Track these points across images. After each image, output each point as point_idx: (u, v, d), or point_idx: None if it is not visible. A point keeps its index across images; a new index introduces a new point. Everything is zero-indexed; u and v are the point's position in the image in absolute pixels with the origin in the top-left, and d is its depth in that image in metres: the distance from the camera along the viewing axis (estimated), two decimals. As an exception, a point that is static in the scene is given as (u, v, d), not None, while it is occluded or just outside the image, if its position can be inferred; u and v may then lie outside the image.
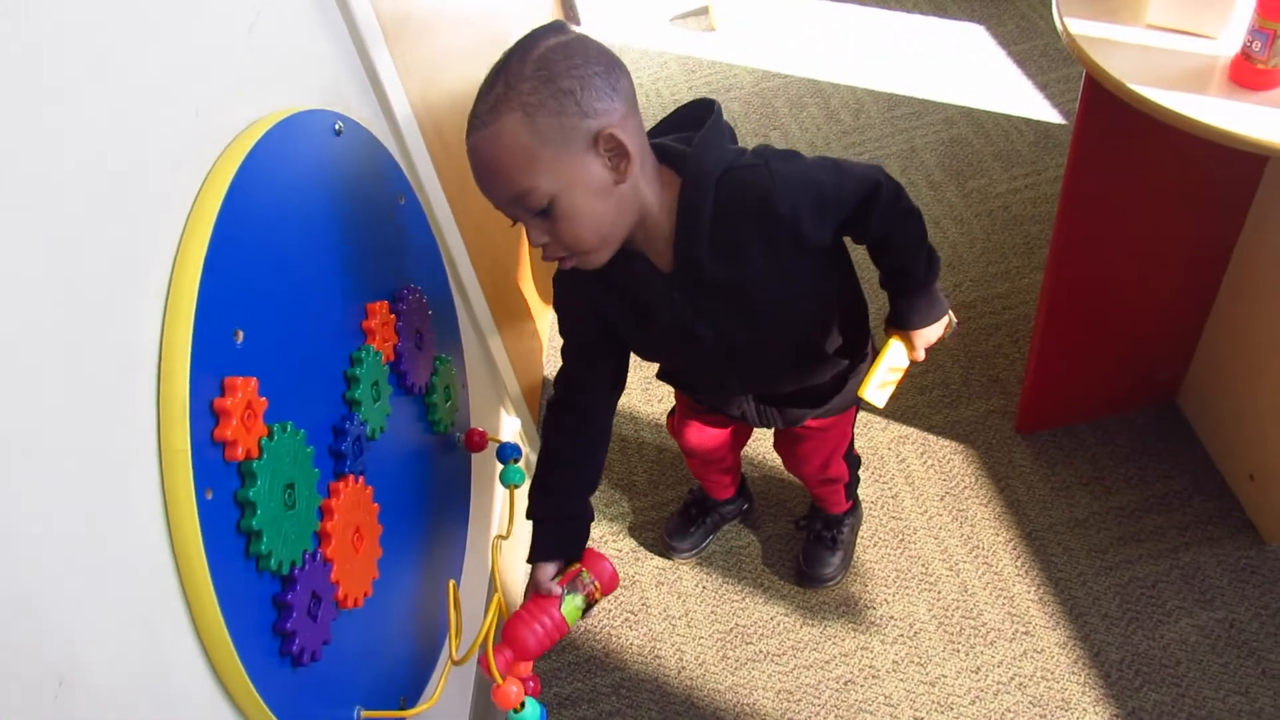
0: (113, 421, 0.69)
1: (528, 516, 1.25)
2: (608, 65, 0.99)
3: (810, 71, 2.85)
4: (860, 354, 1.35)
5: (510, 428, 1.84)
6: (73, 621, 0.64)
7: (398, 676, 1.09)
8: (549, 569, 1.21)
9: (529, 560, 1.22)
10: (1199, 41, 1.25)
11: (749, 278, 1.13)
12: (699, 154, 1.08)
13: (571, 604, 1.18)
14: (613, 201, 1.03)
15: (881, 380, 1.28)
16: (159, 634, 0.72)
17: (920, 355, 1.30)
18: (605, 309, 1.19)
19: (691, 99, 1.16)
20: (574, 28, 1.01)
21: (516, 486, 1.32)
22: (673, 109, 1.18)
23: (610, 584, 1.22)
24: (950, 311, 1.29)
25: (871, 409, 1.30)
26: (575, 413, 1.27)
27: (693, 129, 1.11)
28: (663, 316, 1.17)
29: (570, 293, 1.21)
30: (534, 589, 1.20)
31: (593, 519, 1.28)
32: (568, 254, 1.05)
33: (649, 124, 1.11)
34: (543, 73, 0.95)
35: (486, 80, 0.98)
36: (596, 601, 1.21)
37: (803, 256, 1.15)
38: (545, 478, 1.27)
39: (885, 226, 1.17)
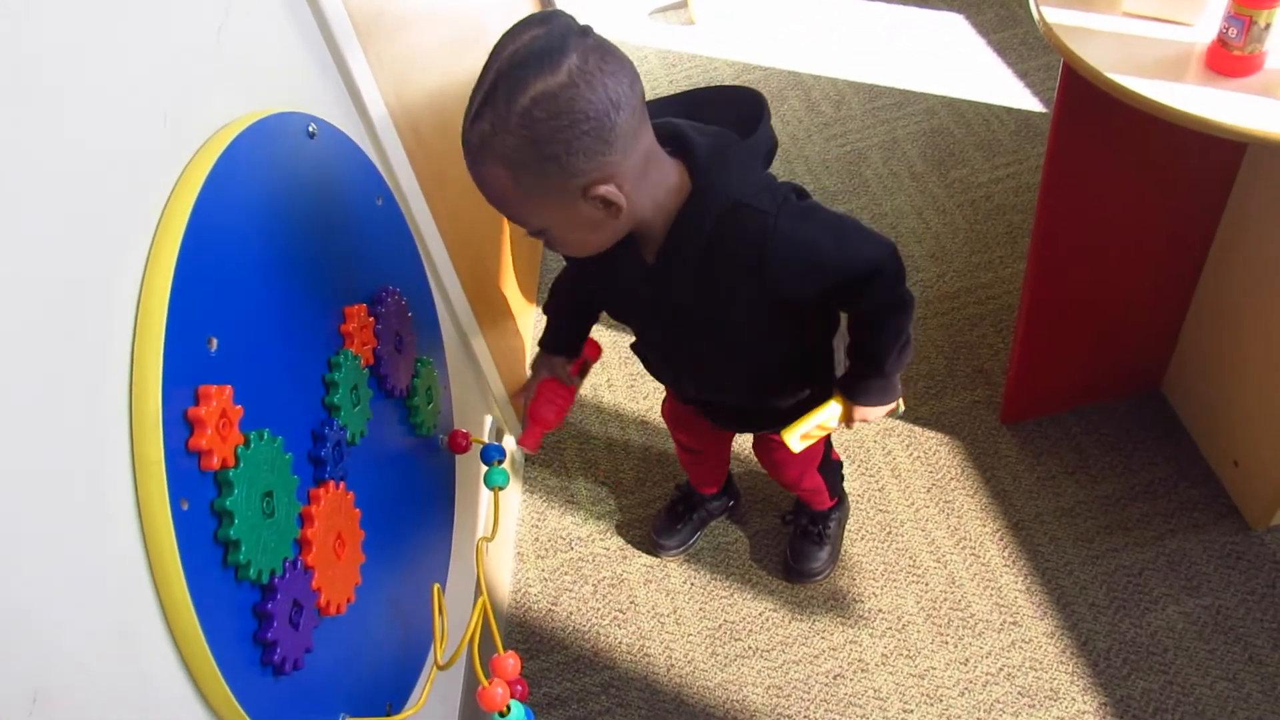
0: (85, 433, 0.68)
1: (543, 311, 1.43)
2: (600, 115, 0.91)
3: (791, 64, 2.84)
4: (823, 394, 1.29)
5: (494, 428, 1.83)
6: (47, 636, 0.63)
7: (383, 682, 1.08)
8: (561, 363, 1.42)
9: (540, 346, 1.43)
10: (1175, 29, 1.25)
11: (720, 305, 1.12)
12: (719, 175, 1.03)
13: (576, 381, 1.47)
14: (606, 229, 1.03)
15: (805, 432, 1.25)
16: (137, 647, 0.72)
17: (851, 428, 1.28)
18: (590, 271, 1.18)
19: (738, 85, 1.12)
20: (579, 38, 0.91)
21: (501, 488, 1.32)
22: (665, 95, 1.14)
23: (596, 351, 1.48)
24: (901, 398, 1.26)
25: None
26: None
27: (727, 119, 1.07)
28: (634, 301, 1.19)
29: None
30: (550, 372, 1.43)
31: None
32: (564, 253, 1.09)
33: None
34: (526, 132, 0.90)
35: (479, 93, 0.92)
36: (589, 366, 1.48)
37: (781, 306, 1.13)
38: (559, 305, 1.41)
39: (871, 312, 1.15)
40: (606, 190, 0.96)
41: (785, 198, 1.06)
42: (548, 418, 1.43)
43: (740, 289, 1.10)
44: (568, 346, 1.42)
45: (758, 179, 1.06)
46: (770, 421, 1.35)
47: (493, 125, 0.91)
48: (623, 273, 1.14)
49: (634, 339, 1.39)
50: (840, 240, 1.08)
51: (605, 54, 0.92)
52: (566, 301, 1.40)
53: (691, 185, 1.04)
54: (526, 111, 0.89)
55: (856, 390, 1.23)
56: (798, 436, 1.25)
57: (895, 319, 1.16)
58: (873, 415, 1.25)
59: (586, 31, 0.93)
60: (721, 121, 1.08)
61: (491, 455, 1.34)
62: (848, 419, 1.26)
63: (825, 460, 1.61)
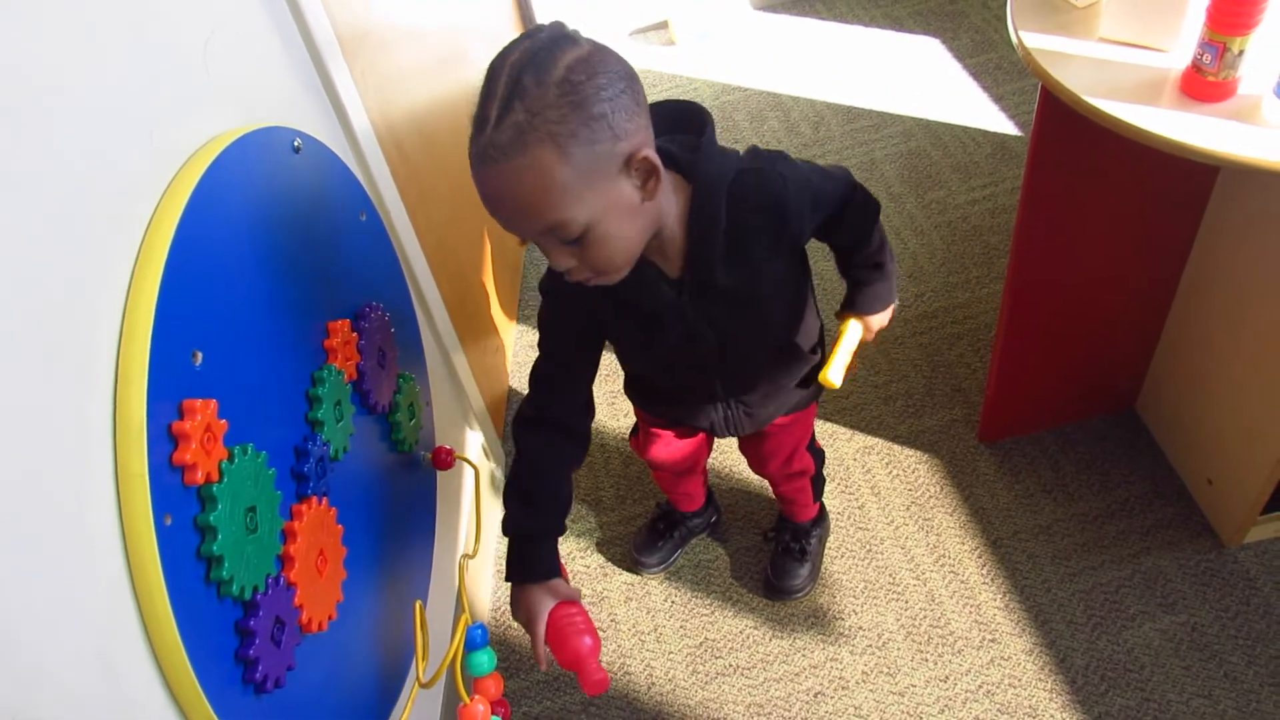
0: (68, 447, 0.68)
1: (508, 533, 1.17)
2: (628, 75, 0.93)
3: (770, 85, 2.87)
4: (824, 348, 1.38)
5: (474, 443, 1.83)
6: (25, 655, 0.62)
7: (365, 700, 1.07)
8: (560, 582, 1.15)
9: (523, 580, 1.14)
10: (1151, 55, 1.27)
11: (754, 279, 1.15)
12: (708, 162, 1.07)
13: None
14: (640, 220, 1.01)
15: (842, 363, 1.31)
16: (118, 665, 0.71)
17: (872, 336, 1.36)
18: (604, 321, 1.17)
19: (671, 99, 1.14)
20: (578, 32, 0.93)
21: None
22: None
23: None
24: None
25: (830, 388, 1.34)
26: (559, 430, 1.20)
27: (677, 130, 1.09)
28: (671, 323, 1.16)
29: (564, 306, 1.16)
30: (555, 598, 1.12)
31: None
32: (594, 275, 1.01)
33: None
34: (570, 97, 0.88)
35: (494, 101, 0.89)
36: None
37: (790, 255, 1.19)
38: (533, 494, 1.18)
39: (856, 224, 1.24)
40: (649, 153, 0.95)
41: (761, 152, 1.13)
42: (588, 646, 1.09)
43: (770, 253, 1.13)
44: (554, 564, 1.16)
45: (731, 152, 1.11)
46: (784, 399, 1.40)
47: (528, 111, 0.88)
48: (656, 301, 1.13)
49: (629, 375, 1.39)
50: (820, 174, 1.18)
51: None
52: (537, 500, 1.18)
53: (692, 187, 1.07)
54: (564, 80, 0.88)
55: (867, 300, 1.31)
56: (839, 370, 1.31)
57: (875, 223, 1.27)
58: (886, 319, 1.35)
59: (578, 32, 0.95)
60: (670, 133, 1.10)
61: (476, 642, 1.16)
62: (869, 330, 1.34)
63: (811, 441, 1.61)
